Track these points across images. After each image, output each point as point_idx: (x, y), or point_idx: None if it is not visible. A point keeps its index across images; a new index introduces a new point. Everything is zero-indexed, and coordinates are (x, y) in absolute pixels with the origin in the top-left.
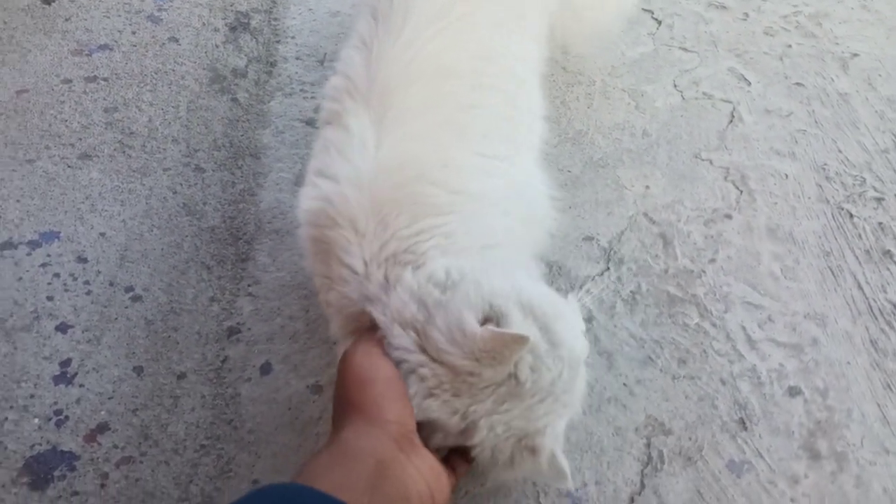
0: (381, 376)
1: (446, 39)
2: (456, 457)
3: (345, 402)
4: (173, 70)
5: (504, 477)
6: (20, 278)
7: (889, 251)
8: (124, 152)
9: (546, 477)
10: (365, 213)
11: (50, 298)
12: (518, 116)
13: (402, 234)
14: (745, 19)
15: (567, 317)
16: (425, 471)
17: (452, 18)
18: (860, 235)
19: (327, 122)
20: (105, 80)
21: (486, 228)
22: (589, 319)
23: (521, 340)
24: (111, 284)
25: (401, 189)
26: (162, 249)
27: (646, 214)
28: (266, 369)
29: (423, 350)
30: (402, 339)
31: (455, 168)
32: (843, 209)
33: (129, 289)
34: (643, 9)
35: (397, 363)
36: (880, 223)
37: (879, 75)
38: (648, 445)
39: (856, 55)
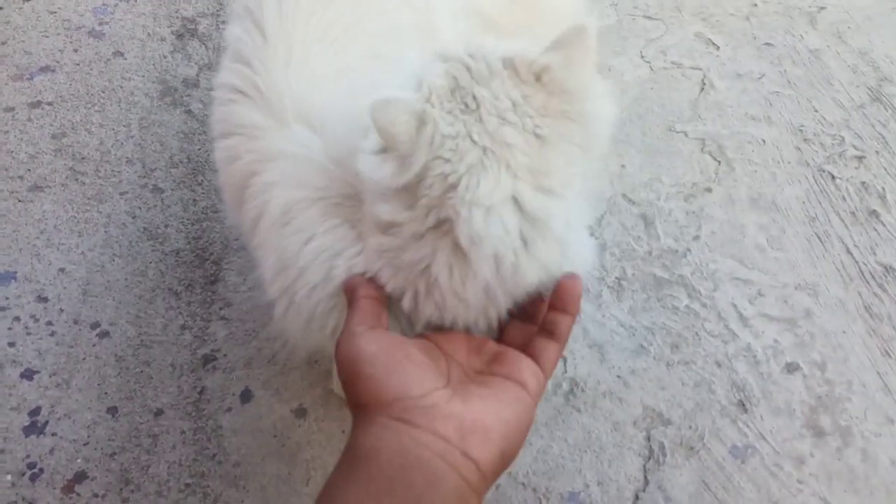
0: (365, 356)
1: (334, 52)
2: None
3: (349, 402)
4: (121, 87)
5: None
6: None
7: (875, 211)
8: (77, 179)
9: (580, 51)
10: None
11: (11, 344)
12: None
13: None
14: None
15: None
16: (450, 433)
17: (334, 36)
18: (844, 197)
19: (251, 175)
20: (50, 104)
21: None
22: None
23: (379, 108)
24: (76, 322)
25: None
26: (126, 279)
27: (624, 195)
28: (246, 396)
29: None
30: None
31: None
32: (824, 171)
33: (95, 325)
34: None
35: None
36: (863, 182)
37: (849, 27)
38: (648, 438)
39: (823, 8)
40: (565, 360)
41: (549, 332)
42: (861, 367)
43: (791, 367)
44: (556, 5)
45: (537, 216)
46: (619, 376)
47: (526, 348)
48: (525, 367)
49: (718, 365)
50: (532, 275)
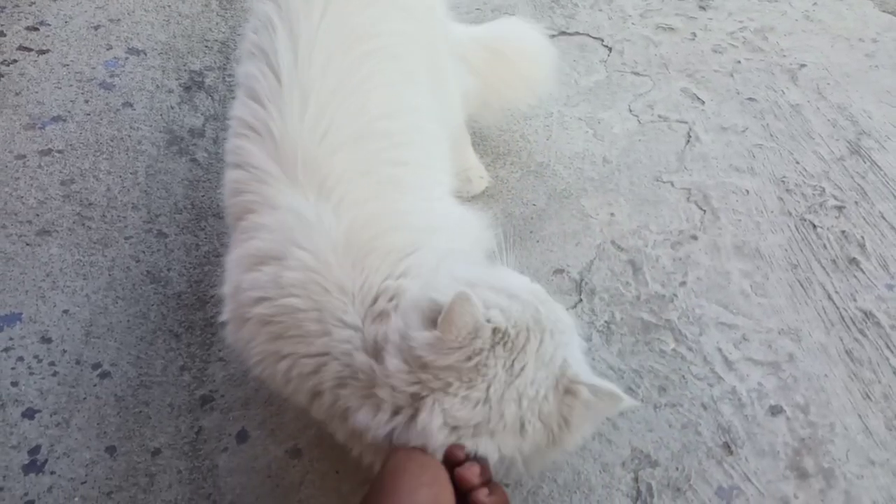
0: (414, 464)
1: (352, 106)
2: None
3: (373, 496)
4: (129, 136)
5: (570, 442)
6: None
7: (854, 259)
8: (83, 224)
9: (602, 410)
10: (348, 274)
11: (14, 384)
12: (434, 165)
13: (386, 283)
14: (692, 39)
15: (505, 274)
16: None
17: (352, 87)
18: (825, 245)
19: (248, 212)
20: (60, 152)
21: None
22: None
23: (463, 300)
24: (77, 363)
25: (374, 241)
26: (128, 321)
27: (613, 242)
28: (242, 437)
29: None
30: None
31: (409, 213)
32: (805, 220)
33: (97, 366)
34: (593, 37)
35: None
36: (843, 231)
37: (828, 84)
38: (636, 479)
39: (803, 66)
40: None
41: None
42: (843, 409)
43: (775, 410)
44: (520, 53)
45: None
46: (607, 418)
47: None
48: None
49: (704, 407)
50: None
